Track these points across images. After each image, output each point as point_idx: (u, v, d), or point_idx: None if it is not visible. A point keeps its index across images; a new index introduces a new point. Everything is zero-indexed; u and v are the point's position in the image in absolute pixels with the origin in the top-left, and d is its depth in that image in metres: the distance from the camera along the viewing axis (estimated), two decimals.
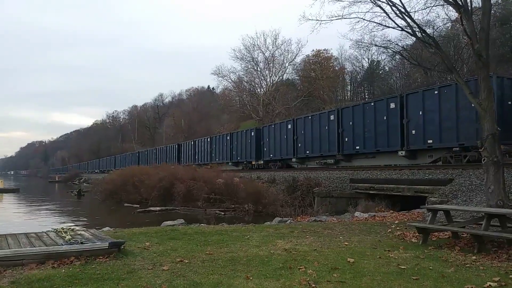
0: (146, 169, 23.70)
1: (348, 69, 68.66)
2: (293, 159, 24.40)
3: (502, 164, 9.38)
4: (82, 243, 5.12)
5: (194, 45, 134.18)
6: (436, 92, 16.57)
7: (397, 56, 58.97)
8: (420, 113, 17.06)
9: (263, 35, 56.72)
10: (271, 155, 26.35)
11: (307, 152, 23.15)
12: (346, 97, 71.11)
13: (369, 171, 18.06)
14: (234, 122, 72.29)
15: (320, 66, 64.29)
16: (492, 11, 8.89)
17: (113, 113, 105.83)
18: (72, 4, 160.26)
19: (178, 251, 5.57)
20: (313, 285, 3.98)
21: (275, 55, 58.70)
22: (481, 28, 9.65)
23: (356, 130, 20.11)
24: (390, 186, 15.74)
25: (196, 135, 59.56)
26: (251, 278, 4.25)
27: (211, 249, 5.72)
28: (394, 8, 10.16)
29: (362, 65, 66.87)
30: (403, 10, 9.99)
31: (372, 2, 10.62)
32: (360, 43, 11.28)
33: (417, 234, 6.71)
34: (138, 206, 19.30)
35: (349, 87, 71.67)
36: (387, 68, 63.10)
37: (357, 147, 20.13)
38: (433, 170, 15.45)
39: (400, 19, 10.42)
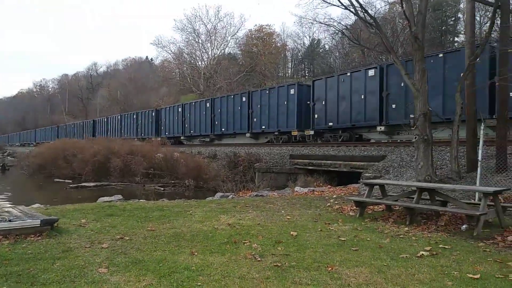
0: (79, 143, 22.46)
1: (290, 46, 69.31)
2: (181, 137, 30.10)
3: (432, 142, 10.04)
4: (10, 221, 4.71)
5: (132, 13, 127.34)
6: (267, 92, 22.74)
7: (338, 35, 60.67)
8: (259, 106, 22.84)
9: (206, 6, 55.14)
10: (167, 133, 31.17)
11: (191, 131, 28.53)
12: (287, 74, 72.11)
13: (308, 147, 18.54)
14: (173, 95, 70.56)
15: (262, 41, 64.18)
16: None
17: (40, 81, 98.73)
18: None
19: (117, 228, 5.34)
20: (258, 259, 4.00)
21: (217, 28, 57.66)
22: (419, 11, 10.06)
23: (222, 116, 25.58)
24: (328, 162, 16.30)
25: (134, 107, 57.45)
26: (196, 253, 4.18)
27: (152, 225, 5.55)
28: None
29: (304, 42, 67.79)
30: None
31: None
32: (304, 19, 11.20)
33: (354, 207, 7.00)
34: (70, 181, 18.32)
35: (290, 64, 72.66)
36: (327, 46, 64.61)
37: (223, 129, 25.47)
38: (367, 147, 16.18)
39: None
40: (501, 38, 9.66)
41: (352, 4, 10.61)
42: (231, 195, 10.21)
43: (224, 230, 5.30)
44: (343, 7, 10.54)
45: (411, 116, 15.49)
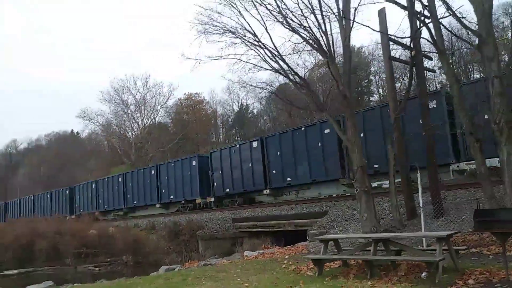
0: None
1: (220, 112, 70.78)
2: (96, 213, 29.70)
3: (371, 193, 10.37)
4: None
5: (55, 87, 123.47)
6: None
7: (264, 99, 63.39)
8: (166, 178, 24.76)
9: (133, 77, 55.21)
10: (81, 210, 31.25)
11: (105, 206, 29.45)
12: (220, 140, 72.94)
13: (250, 209, 18.30)
14: (104, 167, 67.68)
15: (192, 109, 65.09)
16: None
17: None
18: None
19: None
20: None
21: (146, 98, 57.50)
22: (344, 72, 10.83)
23: (134, 190, 26.93)
24: (272, 222, 16.13)
25: (60, 184, 53.75)
26: None
27: None
28: (267, 51, 10.81)
29: (233, 108, 69.72)
30: (276, 53, 10.68)
31: (247, 45, 11.17)
32: (236, 83, 11.53)
33: (311, 266, 6.82)
34: None
35: (221, 129, 73.88)
36: (255, 111, 67.03)
37: (135, 202, 26.81)
38: (309, 204, 16.34)
39: (273, 62, 11.14)
40: (420, 92, 10.64)
41: (281, 68, 11.18)
42: (177, 267, 9.53)
43: None
44: (274, 70, 11.07)
45: (288, 179, 18.00)
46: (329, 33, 10.49)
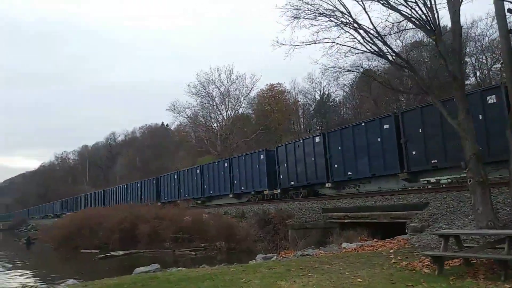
0: (103, 211, 22.02)
1: (301, 102, 69.97)
2: (178, 201, 30.27)
3: (489, 184, 9.30)
4: None
5: (146, 81, 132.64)
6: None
7: (346, 88, 61.21)
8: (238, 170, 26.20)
9: (218, 70, 56.57)
10: (166, 198, 33.99)
11: (186, 195, 31.25)
12: (301, 129, 72.37)
13: (341, 200, 17.74)
14: (191, 157, 71.00)
15: (274, 99, 65.24)
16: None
17: (61, 154, 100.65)
18: (10, 40, 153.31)
19: None
20: None
21: (230, 90, 58.66)
22: (453, 50, 9.78)
23: (210, 180, 28.86)
24: (365, 213, 15.42)
25: (153, 173, 57.55)
26: None
27: None
28: (363, 33, 10.12)
29: (315, 97, 68.38)
30: (375, 34, 9.97)
31: (342, 28, 10.58)
32: (333, 69, 10.98)
33: (426, 263, 6.22)
34: (97, 251, 17.67)
35: (302, 119, 73.05)
36: (337, 99, 65.09)
37: (211, 192, 28.58)
38: (405, 195, 15.32)
39: (371, 44, 10.42)
40: None
41: (380, 49, 10.40)
42: (274, 257, 9.43)
43: None
44: (373, 53, 10.34)
45: (349, 173, 18.37)
46: (434, 8, 9.55)
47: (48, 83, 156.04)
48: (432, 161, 15.36)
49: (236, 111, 61.30)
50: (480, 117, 13.64)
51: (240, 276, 6.34)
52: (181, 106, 59.11)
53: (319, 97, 66.80)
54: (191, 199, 30.11)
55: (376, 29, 9.59)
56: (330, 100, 65.82)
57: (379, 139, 17.30)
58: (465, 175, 13.36)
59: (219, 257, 14.97)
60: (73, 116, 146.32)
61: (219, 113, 60.29)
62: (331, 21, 10.65)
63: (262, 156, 24.15)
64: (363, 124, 18.60)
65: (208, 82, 57.71)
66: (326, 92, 66.12)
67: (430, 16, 9.60)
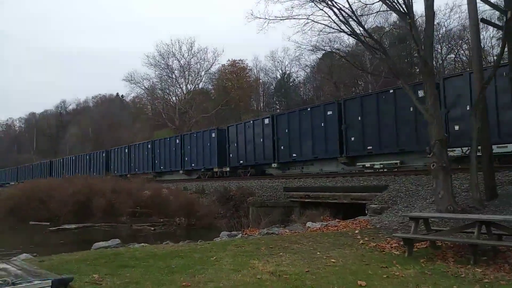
0: (55, 181, 20.92)
1: (262, 80, 69.68)
2: (128, 175, 30.50)
3: (450, 169, 9.60)
4: (14, 284, 3.71)
5: (101, 49, 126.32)
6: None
7: (308, 69, 61.52)
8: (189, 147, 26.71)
9: (179, 42, 54.87)
10: (115, 171, 33.28)
11: (136, 170, 31.47)
12: (260, 107, 72.28)
13: (303, 179, 17.91)
14: (147, 131, 69.21)
15: (236, 76, 64.46)
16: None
17: (7, 120, 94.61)
18: None
19: (142, 285, 4.40)
20: None
21: (191, 63, 57.21)
22: (425, 35, 9.86)
23: (161, 156, 29.35)
24: (326, 193, 15.65)
25: (106, 145, 55.56)
26: None
27: (184, 279, 4.63)
28: (337, 11, 9.96)
29: (276, 76, 68.24)
30: (351, 14, 9.83)
31: (318, 5, 10.36)
32: (305, 46, 10.79)
33: (394, 245, 6.32)
34: (48, 224, 16.80)
35: (262, 98, 72.85)
36: (298, 79, 65.31)
37: (161, 167, 29.23)
38: (366, 177, 15.69)
39: (344, 25, 10.29)
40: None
41: (352, 30, 10.31)
42: (240, 234, 9.32)
43: (273, 282, 4.46)
44: (348, 33, 10.23)
45: (294, 155, 19.36)
46: None
47: None
48: (368, 148, 16.69)
49: (196, 86, 60.15)
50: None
51: (210, 254, 6.15)
52: (139, 77, 57.14)
53: (280, 76, 66.78)
54: (142, 173, 29.58)
55: (352, 8, 9.44)
56: (291, 80, 66.02)
57: (322, 124, 18.33)
58: (396, 161, 16.40)
59: (178, 233, 14.68)
60: (20, 79, 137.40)
61: (178, 86, 58.86)
62: None
63: (213, 135, 24.66)
64: (308, 109, 19.59)
65: (168, 54, 55.98)
66: (288, 72, 66.15)
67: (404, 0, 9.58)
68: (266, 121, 21.38)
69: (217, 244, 7.31)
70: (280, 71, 66.41)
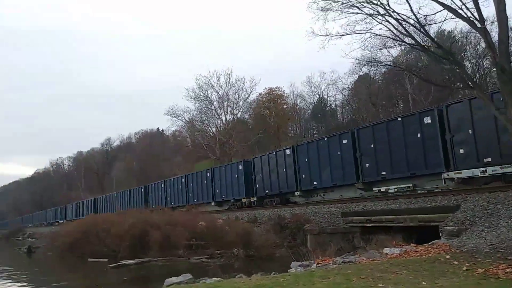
0: (110, 217, 21.12)
1: (299, 106, 69.23)
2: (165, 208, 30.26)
3: None
4: None
5: (140, 87, 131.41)
6: None
7: (346, 92, 60.64)
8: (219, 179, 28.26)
9: (216, 74, 55.83)
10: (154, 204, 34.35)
11: (172, 203, 32.80)
12: (297, 133, 71.65)
13: (361, 203, 17.05)
14: (190, 163, 70.16)
15: (273, 103, 64.56)
16: None
17: (57, 160, 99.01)
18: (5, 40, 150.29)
19: None
20: None
21: (229, 94, 57.89)
22: (500, 41, 9.19)
23: (193, 189, 30.88)
24: (389, 217, 14.77)
25: (150, 179, 56.52)
26: None
27: None
28: (404, 23, 9.49)
29: (314, 101, 67.66)
30: (416, 24, 9.34)
31: (377, 18, 9.95)
32: (365, 62, 10.34)
33: (508, 270, 5.55)
34: (106, 260, 16.78)
35: (298, 124, 72.12)
36: (335, 103, 64.31)
37: (195, 200, 29.94)
38: (432, 198, 14.71)
39: (406, 37, 9.80)
40: None
41: (416, 41, 9.78)
42: (314, 264, 8.69)
43: None
44: (413, 45, 9.72)
45: (314, 183, 20.36)
46: None
47: (40, 88, 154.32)
48: (382, 173, 17.65)
49: (235, 116, 60.61)
50: None
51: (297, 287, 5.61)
52: (179, 110, 58.28)
53: (315, 102, 66.06)
54: (177, 206, 30.64)
55: (418, 19, 8.95)
56: (327, 104, 65.24)
57: (339, 153, 19.35)
58: (408, 185, 17.01)
59: (237, 265, 14.18)
60: (67, 121, 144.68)
61: (217, 117, 59.50)
62: (361, 12, 10.04)
63: (240, 167, 26.01)
64: (325, 138, 20.94)
65: (207, 86, 56.97)
66: (325, 96, 65.42)
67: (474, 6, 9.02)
68: (288, 151, 22.56)
69: (299, 276, 6.75)
70: (317, 95, 65.80)
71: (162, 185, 35.47)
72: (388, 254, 9.14)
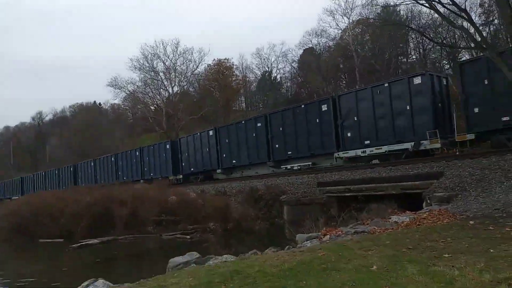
0: (62, 193, 19.06)
1: (249, 79, 67.97)
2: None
3: None
4: None
5: (73, 57, 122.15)
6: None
7: (295, 64, 60.19)
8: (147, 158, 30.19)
9: (163, 43, 52.91)
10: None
11: (102, 181, 33.53)
12: (242, 107, 70.71)
13: (338, 172, 16.73)
14: (132, 137, 67.08)
15: (222, 75, 62.86)
16: None
17: None
18: None
19: None
20: None
21: (177, 65, 55.32)
22: None
23: (123, 168, 32.64)
24: (370, 185, 14.55)
25: (90, 155, 53.03)
26: None
27: None
28: None
29: (259, 74, 66.61)
30: None
31: None
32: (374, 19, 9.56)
33: None
34: (61, 240, 15.12)
35: (243, 98, 71.02)
36: (279, 77, 63.79)
37: (124, 178, 31.48)
38: (412, 165, 14.64)
39: None
40: None
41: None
42: (327, 235, 7.99)
43: None
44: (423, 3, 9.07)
45: (234, 161, 22.68)
46: None
47: None
48: (288, 153, 20.27)
49: (183, 88, 58.28)
50: None
51: (339, 263, 4.83)
52: (123, 81, 54.87)
53: (261, 75, 65.05)
54: (106, 184, 30.69)
55: None
56: (273, 77, 64.43)
57: (254, 135, 21.81)
58: (308, 163, 19.44)
59: (216, 240, 13.27)
60: None
61: (164, 88, 56.84)
62: None
63: (167, 146, 27.84)
64: (243, 122, 23.40)
65: (153, 56, 53.96)
66: (275, 68, 64.51)
67: None
68: (211, 133, 24.85)
69: (332, 249, 5.97)
70: (266, 68, 64.73)
71: (92, 164, 36.31)
72: (397, 222, 8.68)
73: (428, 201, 11.81)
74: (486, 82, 13.64)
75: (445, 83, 16.66)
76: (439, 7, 8.96)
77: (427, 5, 9.12)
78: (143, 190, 16.36)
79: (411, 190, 13.22)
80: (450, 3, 8.64)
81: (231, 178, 23.08)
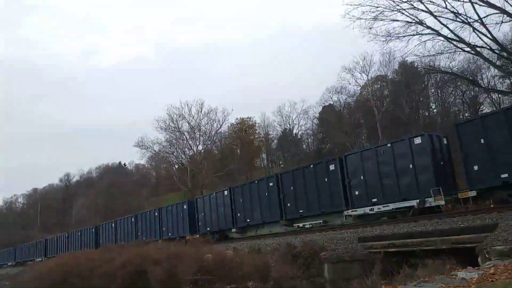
0: (93, 254, 18.68)
1: (272, 135, 68.18)
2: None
3: None
4: None
5: (103, 121, 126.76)
6: None
7: (316, 120, 60.22)
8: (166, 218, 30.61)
9: (188, 104, 54.20)
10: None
11: (121, 241, 33.06)
12: (263, 164, 70.60)
13: (379, 227, 15.95)
14: (156, 196, 67.31)
15: (244, 133, 63.61)
16: None
17: (11, 197, 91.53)
18: None
19: None
20: None
21: (201, 124, 56.24)
22: None
23: (143, 228, 32.73)
24: (416, 240, 13.69)
25: (117, 214, 53.05)
26: None
27: None
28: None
29: (284, 130, 66.86)
30: (474, 23, 8.68)
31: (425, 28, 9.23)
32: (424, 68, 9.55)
33: None
34: None
35: (264, 155, 70.98)
36: (300, 133, 63.75)
37: (144, 238, 30.40)
38: (461, 218, 13.84)
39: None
40: None
41: (471, 46, 9.08)
42: None
43: None
44: (466, 49, 9.01)
45: (248, 220, 22.78)
46: None
47: None
48: (300, 211, 20.31)
49: (207, 146, 58.79)
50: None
51: None
52: (149, 142, 55.73)
53: (281, 132, 65.15)
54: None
55: (481, 19, 8.28)
56: (293, 134, 64.38)
57: (266, 194, 22.15)
58: (320, 221, 19.47)
59: None
60: (20, 158, 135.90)
61: (189, 148, 57.44)
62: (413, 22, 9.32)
63: (185, 207, 28.15)
64: (256, 181, 23.79)
65: (178, 117, 55.04)
66: (296, 125, 64.72)
67: None
68: (225, 192, 25.05)
69: None
70: (288, 125, 65.07)
71: (113, 225, 36.80)
72: (465, 279, 7.94)
73: (487, 256, 10.94)
74: (482, 141, 14.46)
75: (445, 142, 17.19)
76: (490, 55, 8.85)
77: (472, 52, 9.04)
78: (178, 249, 15.83)
79: (463, 244, 12.35)
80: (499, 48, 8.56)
81: (264, 235, 22.40)
